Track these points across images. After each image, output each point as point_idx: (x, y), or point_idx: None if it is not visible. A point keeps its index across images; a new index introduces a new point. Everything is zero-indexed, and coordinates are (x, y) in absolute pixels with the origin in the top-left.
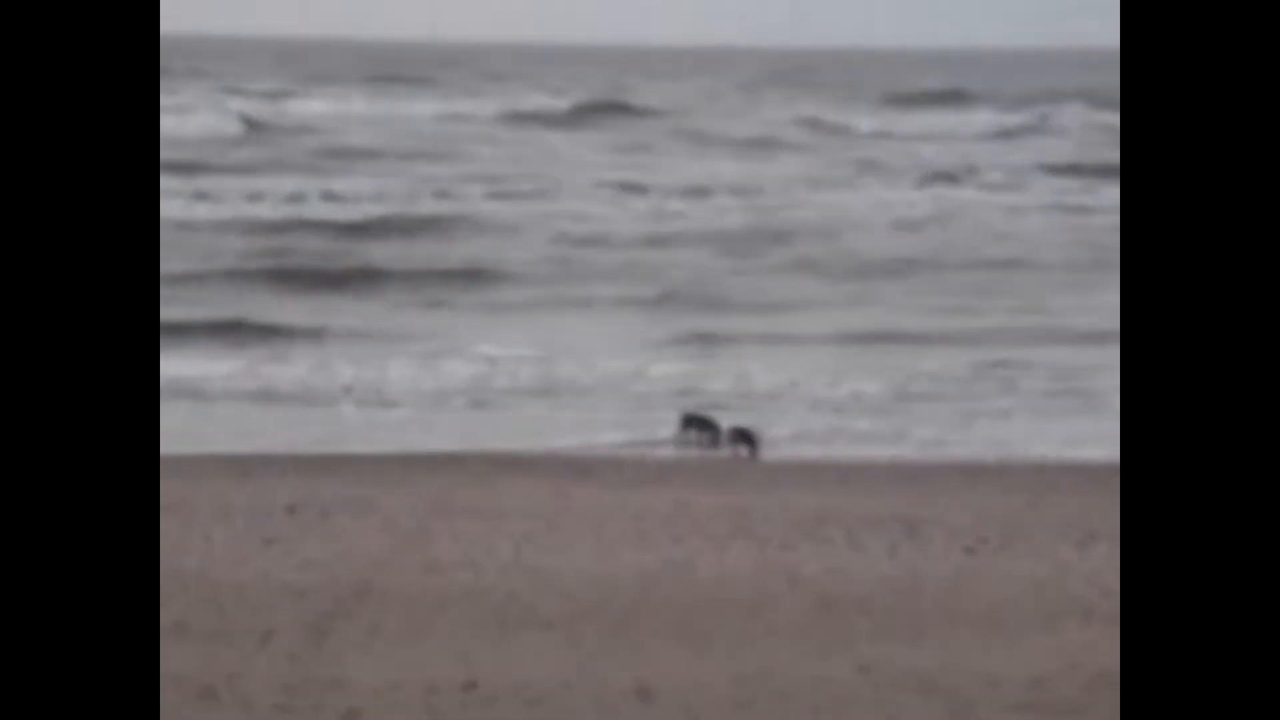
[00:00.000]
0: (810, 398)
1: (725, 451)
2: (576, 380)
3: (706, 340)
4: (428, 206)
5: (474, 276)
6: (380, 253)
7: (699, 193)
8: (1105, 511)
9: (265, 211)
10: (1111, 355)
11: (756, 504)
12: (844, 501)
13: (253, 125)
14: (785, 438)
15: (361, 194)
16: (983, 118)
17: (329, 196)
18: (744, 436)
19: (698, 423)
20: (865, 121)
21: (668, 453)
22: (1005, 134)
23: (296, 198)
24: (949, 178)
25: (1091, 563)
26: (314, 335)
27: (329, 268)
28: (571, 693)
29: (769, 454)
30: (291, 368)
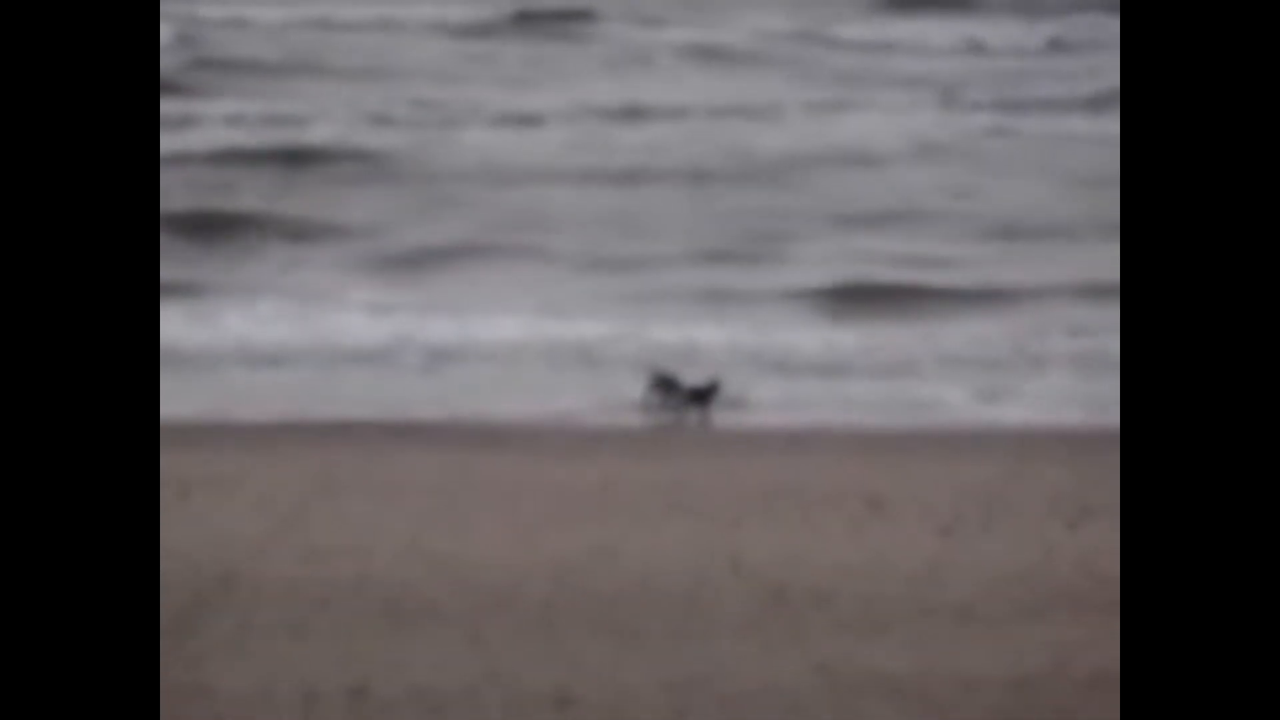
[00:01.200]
0: (790, 363)
1: (686, 415)
2: (505, 339)
3: (670, 296)
4: (323, 135)
5: (380, 221)
6: (267, 191)
7: (657, 118)
8: (1101, 484)
9: None
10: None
11: (696, 477)
12: (799, 474)
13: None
14: (762, 405)
15: (250, 119)
16: (1000, 28)
17: (210, 122)
18: (702, 396)
19: (666, 385)
20: (856, 29)
21: (623, 420)
22: (1028, 50)
23: (176, 123)
24: (961, 101)
25: (1085, 544)
26: (186, 289)
27: (210, 209)
28: (478, 700)
29: (750, 420)
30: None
